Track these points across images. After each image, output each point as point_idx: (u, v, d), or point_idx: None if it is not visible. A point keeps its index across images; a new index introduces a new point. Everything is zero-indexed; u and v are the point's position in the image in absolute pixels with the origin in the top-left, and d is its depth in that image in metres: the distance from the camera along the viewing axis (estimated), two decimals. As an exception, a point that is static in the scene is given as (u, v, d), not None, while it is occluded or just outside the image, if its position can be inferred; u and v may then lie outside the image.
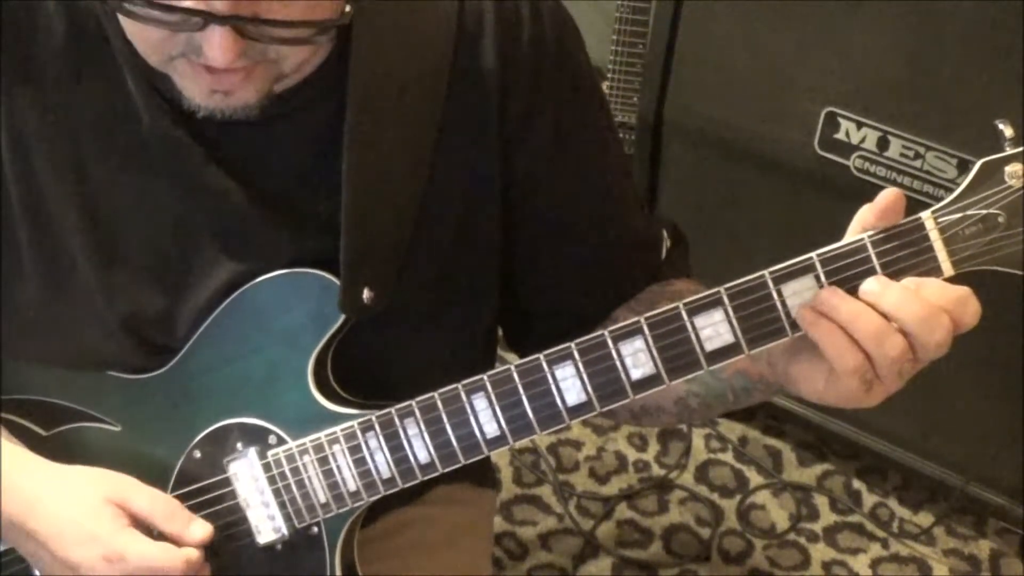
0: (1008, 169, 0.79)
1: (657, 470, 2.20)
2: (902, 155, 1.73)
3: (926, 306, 0.79)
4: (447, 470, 0.95)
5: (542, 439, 2.24)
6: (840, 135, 1.76)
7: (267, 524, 1.00)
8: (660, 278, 1.07)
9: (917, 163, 1.72)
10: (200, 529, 0.98)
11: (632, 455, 2.23)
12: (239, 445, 0.99)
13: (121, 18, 0.84)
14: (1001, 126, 0.80)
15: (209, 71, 0.83)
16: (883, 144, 1.73)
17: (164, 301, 0.98)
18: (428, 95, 0.95)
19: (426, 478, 0.95)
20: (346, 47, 0.93)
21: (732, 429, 2.27)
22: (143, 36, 0.84)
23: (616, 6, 2.16)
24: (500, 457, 2.20)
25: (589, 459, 2.22)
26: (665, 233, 1.10)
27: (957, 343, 1.94)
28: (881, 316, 0.80)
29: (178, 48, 0.82)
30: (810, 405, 2.07)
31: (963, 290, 0.80)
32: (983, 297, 1.99)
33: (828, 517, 2.13)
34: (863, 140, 1.75)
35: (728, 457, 2.23)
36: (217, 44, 0.79)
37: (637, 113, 2.09)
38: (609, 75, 2.25)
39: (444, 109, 0.95)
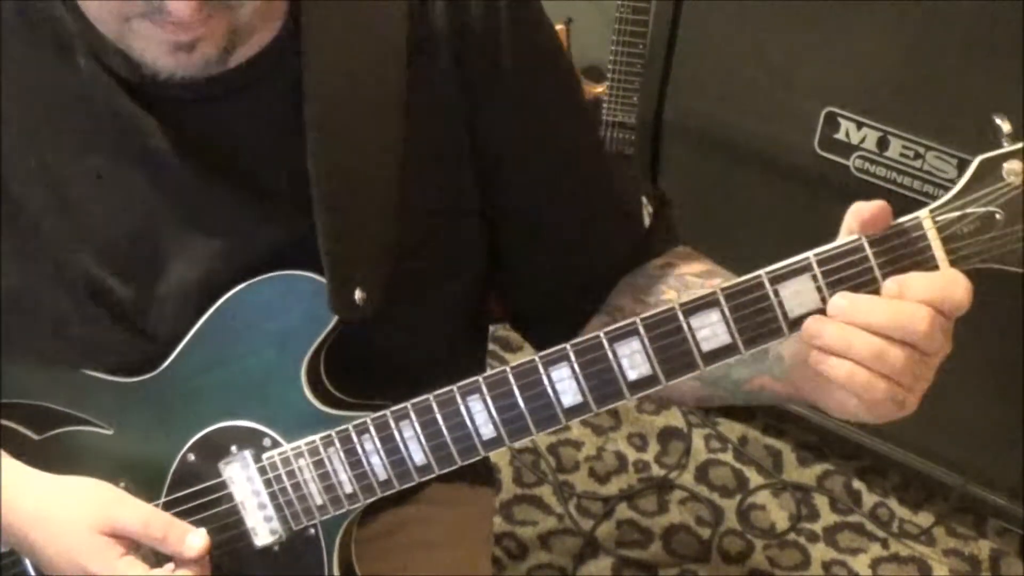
0: (1007, 166, 0.78)
1: (657, 470, 2.20)
2: (902, 155, 1.73)
3: (897, 308, 0.78)
4: (444, 472, 0.95)
5: (542, 439, 2.24)
6: (840, 135, 1.76)
7: (264, 527, 1.00)
8: (651, 250, 1.06)
9: (917, 163, 1.72)
10: (197, 541, 0.97)
11: (632, 455, 2.23)
12: (234, 448, 0.99)
13: None
14: (999, 121, 0.78)
15: (171, 23, 0.82)
16: (883, 144, 1.73)
17: (133, 284, 0.97)
18: (389, 70, 0.94)
19: (423, 480, 0.95)
20: (299, 23, 0.93)
21: (732, 429, 2.27)
22: (99, 1, 0.84)
23: (616, 6, 2.16)
24: (500, 457, 2.20)
25: (589, 459, 2.22)
26: (646, 200, 1.09)
27: (957, 343, 1.94)
28: (871, 334, 0.79)
29: (138, 8, 0.82)
30: (810, 405, 2.07)
31: (947, 274, 0.79)
32: (983, 298, 1.99)
33: (828, 517, 2.13)
34: (863, 140, 1.75)
35: (728, 457, 2.23)
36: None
37: (637, 113, 2.09)
38: (609, 75, 2.25)
39: (407, 85, 0.94)
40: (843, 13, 1.69)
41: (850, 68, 1.72)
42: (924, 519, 2.12)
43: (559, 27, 2.37)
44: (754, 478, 2.19)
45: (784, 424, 2.23)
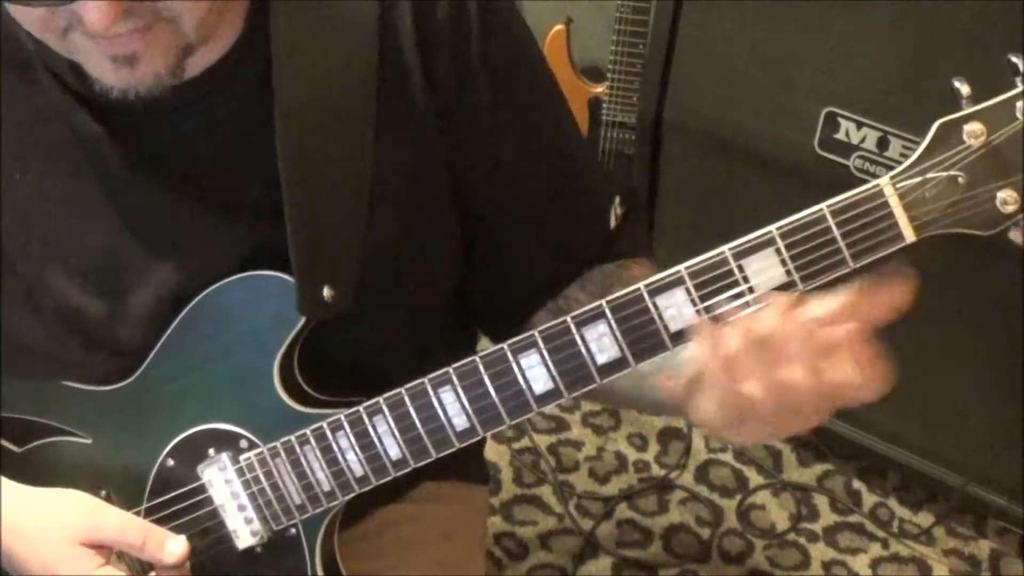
0: (967, 128, 0.77)
1: (657, 470, 2.20)
2: (902, 155, 1.72)
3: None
4: (419, 465, 0.94)
5: (542, 439, 2.24)
6: (840, 135, 1.76)
7: (245, 528, 1.00)
8: (614, 254, 1.06)
9: (916, 162, 1.72)
10: (176, 547, 0.97)
11: (632, 455, 2.23)
12: (211, 451, 0.99)
13: (9, 6, 0.82)
14: (957, 84, 0.77)
15: (104, 38, 0.80)
16: (883, 144, 1.73)
17: (104, 301, 0.97)
18: (359, 71, 0.93)
19: (399, 474, 0.95)
20: (262, 26, 0.92)
21: (732, 429, 2.27)
22: (29, 19, 0.82)
23: (616, 6, 2.16)
24: (500, 457, 2.20)
25: (589, 459, 2.21)
26: (618, 201, 1.07)
27: (957, 343, 1.93)
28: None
29: (64, 21, 0.80)
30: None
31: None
32: (984, 296, 1.98)
33: (828, 517, 2.13)
34: (863, 140, 1.75)
35: (728, 457, 2.23)
36: (93, 8, 0.76)
37: (637, 113, 2.09)
38: (609, 75, 2.25)
39: (378, 87, 0.94)
40: (843, 13, 1.69)
41: (850, 68, 1.72)
42: (924, 519, 2.12)
43: (559, 27, 2.37)
44: (754, 478, 2.19)
45: (784, 424, 2.23)
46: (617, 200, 1.07)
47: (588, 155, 1.11)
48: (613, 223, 1.07)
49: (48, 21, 0.81)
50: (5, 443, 1.05)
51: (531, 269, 1.05)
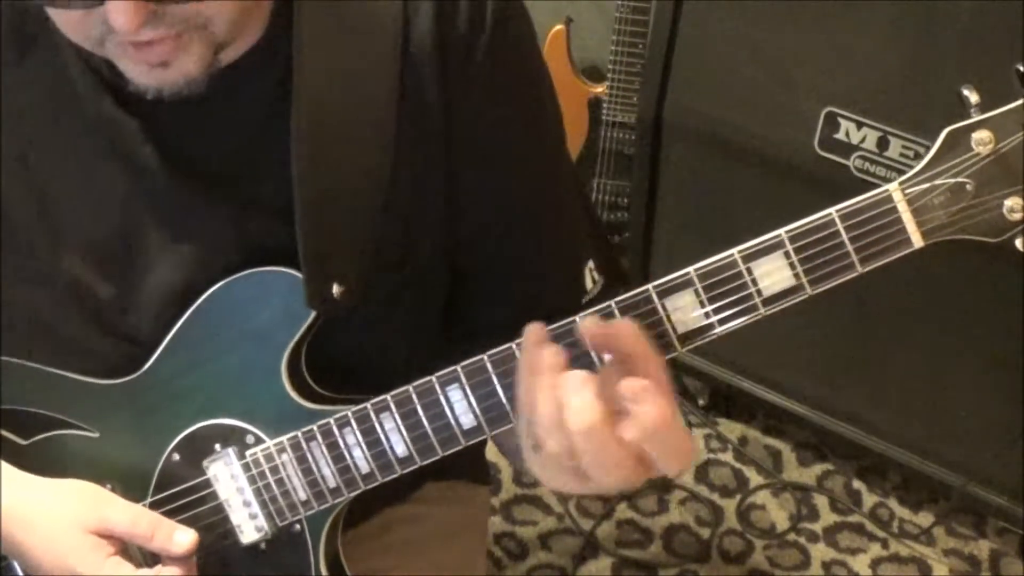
0: (975, 136, 0.78)
1: (657, 470, 2.20)
2: (902, 155, 1.72)
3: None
4: (425, 463, 0.94)
5: (542, 439, 2.23)
6: (840, 135, 1.76)
7: (249, 524, 1.00)
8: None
9: (917, 163, 1.72)
10: (184, 538, 0.98)
11: (632, 455, 2.22)
12: (217, 446, 0.99)
13: (47, 8, 0.83)
14: (966, 92, 0.79)
15: (136, 47, 0.81)
16: (883, 144, 1.73)
17: (114, 283, 0.98)
18: (380, 75, 0.93)
19: (405, 471, 0.95)
20: (286, 26, 0.92)
21: (732, 429, 2.27)
22: (63, 22, 0.83)
23: (616, 6, 2.17)
24: (500, 456, 2.20)
25: (589, 459, 2.21)
26: (592, 265, 1.06)
27: (957, 343, 1.93)
28: None
29: (97, 28, 0.81)
30: (810, 405, 2.07)
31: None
32: (984, 296, 1.98)
33: (828, 517, 2.13)
34: (863, 140, 1.75)
35: (728, 457, 2.23)
36: (119, 11, 0.76)
37: (637, 113, 2.09)
38: (609, 75, 2.25)
39: (399, 93, 0.94)
40: (843, 13, 1.69)
41: (850, 68, 1.72)
42: (924, 519, 2.12)
43: (559, 27, 2.37)
44: (754, 478, 2.19)
45: (784, 424, 2.23)
46: (591, 264, 1.06)
47: (574, 203, 1.09)
48: (590, 285, 1.07)
49: (83, 29, 0.82)
50: (10, 435, 1.05)
51: (495, 302, 1.05)
